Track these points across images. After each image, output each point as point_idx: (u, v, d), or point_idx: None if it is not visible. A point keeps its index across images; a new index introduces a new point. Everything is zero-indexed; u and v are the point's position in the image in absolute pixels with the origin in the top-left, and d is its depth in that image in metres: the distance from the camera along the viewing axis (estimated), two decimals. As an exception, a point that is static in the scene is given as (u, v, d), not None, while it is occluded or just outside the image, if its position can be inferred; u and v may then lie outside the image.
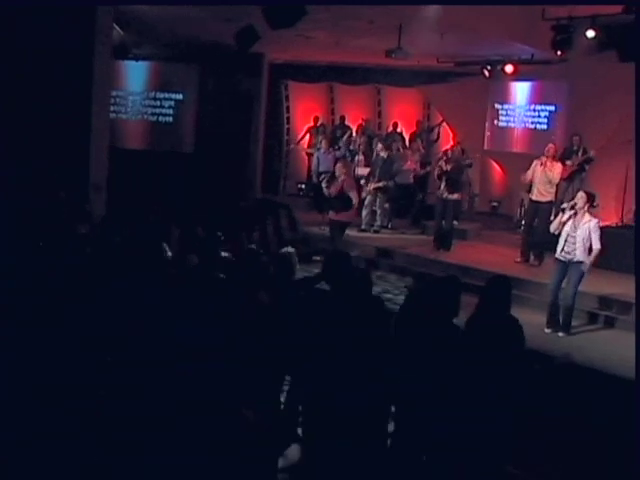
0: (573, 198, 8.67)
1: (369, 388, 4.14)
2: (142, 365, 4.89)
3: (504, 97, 14.76)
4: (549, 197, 10.78)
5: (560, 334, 8.44)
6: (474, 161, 14.34)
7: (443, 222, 12.01)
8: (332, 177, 11.21)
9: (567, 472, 5.26)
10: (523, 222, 11.99)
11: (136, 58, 16.30)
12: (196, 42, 14.82)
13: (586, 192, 8.49)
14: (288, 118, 18.31)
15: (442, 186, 11.94)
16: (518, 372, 4.65)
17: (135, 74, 16.77)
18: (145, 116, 17.04)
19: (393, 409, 4.52)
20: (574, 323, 8.61)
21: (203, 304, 5.23)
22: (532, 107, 14.20)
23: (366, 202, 13.22)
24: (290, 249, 6.10)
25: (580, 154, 11.90)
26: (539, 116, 14.05)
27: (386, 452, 4.01)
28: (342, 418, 4.14)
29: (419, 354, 4.37)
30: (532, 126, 14.19)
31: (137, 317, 5.27)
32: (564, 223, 8.33)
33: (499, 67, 14.08)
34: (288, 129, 18.34)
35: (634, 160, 10.40)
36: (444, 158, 12.30)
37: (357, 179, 13.17)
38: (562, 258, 8.35)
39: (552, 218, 9.58)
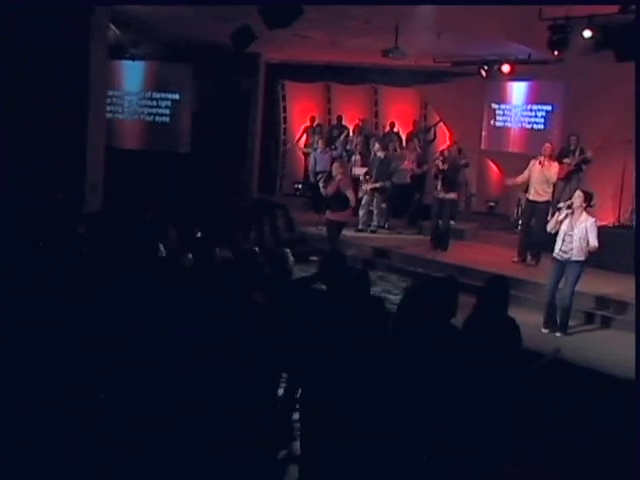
0: (570, 198, 8.67)
1: (367, 388, 4.13)
2: (141, 365, 4.88)
3: (501, 97, 14.76)
4: (546, 197, 10.77)
5: (557, 334, 8.44)
6: (471, 161, 14.36)
7: (440, 222, 12.01)
8: (329, 177, 11.21)
9: (565, 472, 5.25)
10: (520, 222, 12.00)
11: (132, 58, 16.30)
12: (192, 42, 14.81)
13: (583, 191, 8.48)
14: (285, 118, 18.29)
15: (439, 186, 11.94)
16: (515, 372, 4.64)
17: (131, 74, 16.74)
18: (141, 116, 17.01)
19: (392, 409, 4.52)
20: (571, 323, 8.60)
21: (200, 304, 5.23)
22: (529, 107, 14.19)
23: (363, 202, 13.22)
24: (286, 249, 6.09)
25: (577, 154, 11.89)
26: (536, 116, 14.04)
27: (386, 452, 3.99)
28: (341, 418, 4.13)
29: (417, 354, 4.36)
30: (529, 126, 14.18)
31: (135, 317, 5.26)
32: (561, 222, 8.32)
33: (496, 67, 14.10)
34: (285, 129, 18.31)
35: (634, 160, 10.39)
36: (441, 158, 12.29)
37: (354, 179, 13.16)
38: (559, 257, 8.35)
39: (549, 218, 9.58)
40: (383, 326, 4.71)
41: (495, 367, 4.48)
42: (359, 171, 13.73)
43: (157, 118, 16.99)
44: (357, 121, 16.88)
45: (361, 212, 13.20)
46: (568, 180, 11.83)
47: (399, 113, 17.29)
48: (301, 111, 18.05)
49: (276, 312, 5.14)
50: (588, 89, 12.29)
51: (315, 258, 9.26)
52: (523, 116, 14.28)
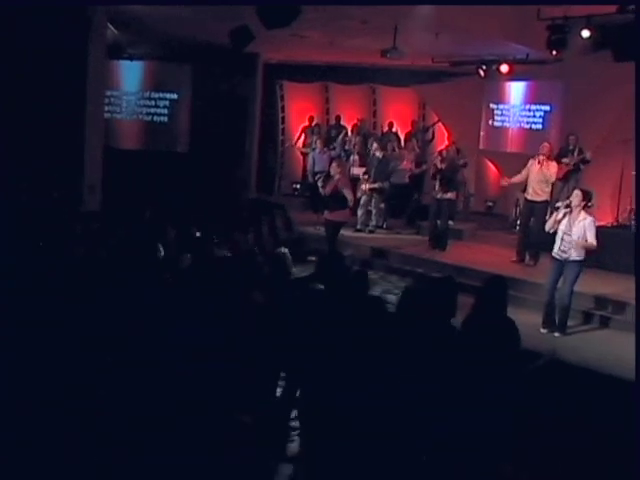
0: (568, 198, 8.67)
1: (366, 388, 4.13)
2: (141, 365, 4.88)
3: (499, 97, 14.76)
4: (544, 196, 10.77)
5: (556, 334, 8.44)
6: (469, 161, 14.36)
7: (438, 222, 12.01)
8: (327, 177, 11.22)
9: (564, 472, 5.25)
10: (518, 222, 12.00)
11: (130, 58, 16.27)
12: (191, 42, 14.80)
13: (582, 190, 8.47)
14: (283, 118, 18.29)
15: (436, 186, 11.95)
16: (514, 372, 4.65)
17: (130, 74, 16.72)
18: (140, 116, 16.99)
19: (391, 409, 4.52)
20: (569, 323, 8.60)
21: (199, 304, 5.23)
22: (527, 107, 14.19)
23: (362, 202, 13.22)
24: (285, 249, 6.10)
25: (576, 154, 11.89)
26: (534, 116, 14.04)
27: (384, 452, 3.99)
28: (339, 418, 4.13)
29: (416, 354, 4.36)
30: (527, 126, 14.18)
31: (134, 317, 5.26)
32: (559, 221, 8.32)
33: (494, 67, 14.08)
34: (283, 129, 18.32)
35: (634, 160, 10.40)
36: (439, 158, 12.32)
37: (353, 179, 13.16)
38: (558, 257, 8.35)
39: (547, 218, 9.58)
40: (382, 326, 4.70)
41: (494, 367, 4.48)
42: (357, 171, 13.73)
43: (155, 118, 16.97)
44: (355, 121, 16.89)
45: (359, 212, 13.20)
46: (566, 180, 11.82)
47: (397, 113, 17.30)
48: (299, 111, 18.05)
49: (275, 312, 5.15)
50: (586, 89, 12.29)
51: (313, 258, 9.25)
52: (521, 116, 14.28)
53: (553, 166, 10.71)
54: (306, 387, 4.79)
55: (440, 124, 16.19)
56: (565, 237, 8.24)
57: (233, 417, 4.49)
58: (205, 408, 4.45)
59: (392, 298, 8.80)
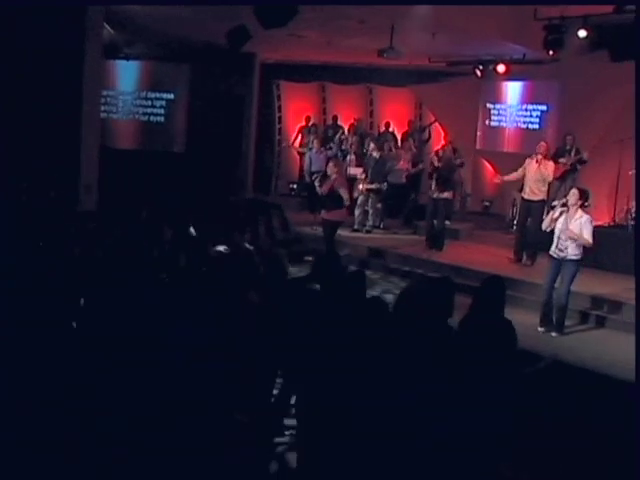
0: (565, 197, 8.66)
1: (362, 388, 4.12)
2: (140, 365, 4.87)
3: (496, 97, 14.77)
4: (541, 196, 10.78)
5: (553, 334, 8.44)
6: (466, 160, 14.36)
7: (435, 222, 12.01)
8: (324, 176, 11.22)
9: (563, 472, 5.25)
10: (515, 222, 12.00)
11: (127, 57, 16.25)
12: (187, 41, 14.79)
13: (579, 189, 8.47)
14: (280, 118, 18.29)
15: (433, 185, 11.95)
16: (511, 373, 4.64)
17: (126, 73, 16.71)
18: (136, 116, 16.98)
19: (388, 409, 4.51)
20: (566, 323, 8.60)
21: (195, 304, 5.22)
22: (524, 107, 14.21)
23: (359, 202, 13.22)
24: (281, 249, 6.10)
25: (573, 154, 11.90)
26: (531, 116, 14.06)
27: (383, 452, 3.99)
28: (336, 418, 4.13)
29: (413, 355, 4.35)
30: (524, 126, 14.20)
31: (131, 317, 5.25)
32: (555, 220, 8.32)
33: (491, 67, 14.11)
34: (280, 129, 18.31)
35: (634, 160, 10.40)
36: (436, 157, 12.33)
37: (349, 178, 13.16)
38: (555, 255, 8.34)
39: (544, 217, 9.58)
40: (379, 326, 4.69)
41: (491, 367, 4.48)
42: (354, 171, 13.73)
43: (152, 118, 16.97)
44: (352, 121, 16.90)
45: (357, 212, 13.19)
46: (563, 180, 11.84)
47: (394, 113, 17.30)
48: (296, 111, 18.05)
49: (271, 312, 5.14)
50: (583, 89, 12.31)
51: (310, 258, 9.25)
52: (518, 116, 14.30)
53: (550, 165, 10.72)
54: (303, 387, 4.78)
55: (437, 124, 16.20)
56: (562, 236, 8.24)
57: (232, 417, 4.48)
58: (204, 408, 4.44)
59: (391, 298, 8.83)
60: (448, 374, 4.22)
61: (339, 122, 17.14)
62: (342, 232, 11.55)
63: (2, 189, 9.70)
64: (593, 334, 8.78)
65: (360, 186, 13.18)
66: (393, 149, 14.71)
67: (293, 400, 5.17)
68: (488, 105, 14.86)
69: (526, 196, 10.87)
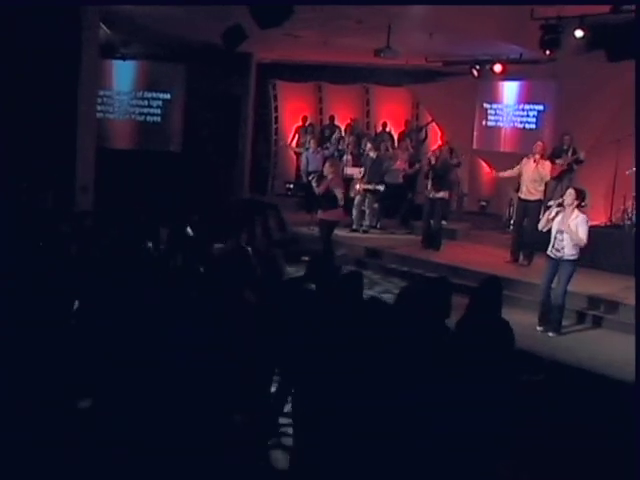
0: (562, 197, 8.67)
1: (359, 389, 4.11)
2: (138, 365, 4.86)
3: (493, 96, 14.76)
4: (538, 195, 10.78)
5: (550, 334, 8.43)
6: (463, 160, 14.36)
7: (431, 222, 12.00)
8: (321, 176, 11.21)
9: (560, 471, 5.25)
10: (512, 221, 12.00)
11: (123, 57, 16.20)
12: (184, 41, 14.76)
13: (575, 189, 8.46)
14: (276, 118, 18.28)
15: (429, 185, 11.95)
16: (509, 373, 4.64)
17: (122, 73, 16.65)
18: (133, 116, 16.93)
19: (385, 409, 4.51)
20: (563, 323, 8.60)
21: (191, 304, 5.21)
22: (521, 106, 14.20)
23: (355, 202, 13.22)
24: (278, 250, 6.09)
25: (570, 154, 11.90)
26: (528, 115, 14.06)
27: (381, 452, 3.98)
28: (334, 418, 4.12)
29: (410, 355, 4.34)
30: (521, 125, 14.19)
31: (128, 316, 5.25)
32: (552, 219, 8.32)
33: (488, 66, 14.11)
34: (276, 129, 18.30)
35: (634, 159, 10.40)
36: (432, 157, 12.33)
37: (346, 179, 13.15)
38: (552, 255, 8.34)
39: (541, 217, 9.58)
40: (376, 326, 4.69)
41: (489, 367, 4.47)
42: (351, 171, 13.72)
43: (148, 118, 16.92)
44: (349, 121, 16.90)
45: (354, 212, 13.20)
46: (560, 180, 11.84)
47: (391, 113, 17.30)
48: (293, 111, 18.05)
49: (267, 312, 5.13)
50: (580, 89, 12.31)
51: (307, 258, 9.23)
52: (515, 116, 14.29)
53: (548, 165, 10.74)
54: (299, 387, 4.77)
55: (434, 124, 16.21)
56: (558, 236, 8.24)
57: (232, 417, 4.47)
58: (203, 408, 4.43)
59: (389, 298, 8.82)
60: (446, 374, 4.21)
61: (336, 122, 17.14)
62: (339, 232, 11.55)
63: (2, 189, 9.69)
64: (590, 334, 8.78)
65: (357, 186, 13.17)
66: (390, 149, 14.72)
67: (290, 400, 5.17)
68: (485, 105, 14.85)
69: (523, 196, 10.88)
